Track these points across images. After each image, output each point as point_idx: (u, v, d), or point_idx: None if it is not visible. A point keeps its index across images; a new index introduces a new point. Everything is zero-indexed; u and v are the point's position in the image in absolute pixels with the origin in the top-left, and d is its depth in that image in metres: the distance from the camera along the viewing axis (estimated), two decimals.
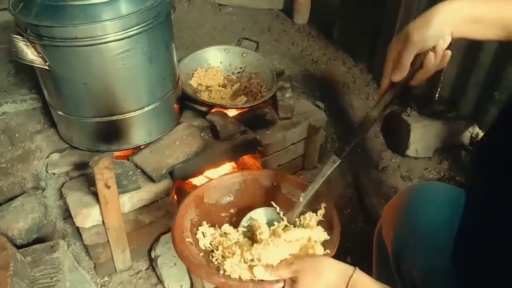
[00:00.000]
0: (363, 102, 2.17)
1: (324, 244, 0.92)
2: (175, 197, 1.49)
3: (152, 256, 1.47)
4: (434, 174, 1.87)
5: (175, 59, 1.49)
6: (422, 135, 1.87)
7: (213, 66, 1.86)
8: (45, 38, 1.18)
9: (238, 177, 1.10)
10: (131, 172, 1.36)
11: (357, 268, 0.77)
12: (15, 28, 1.25)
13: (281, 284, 0.80)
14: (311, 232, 0.93)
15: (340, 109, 2.13)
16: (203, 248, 0.95)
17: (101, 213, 1.30)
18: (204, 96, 1.71)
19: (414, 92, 1.90)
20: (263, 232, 0.93)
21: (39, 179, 1.42)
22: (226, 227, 0.99)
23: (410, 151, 1.90)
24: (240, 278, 0.85)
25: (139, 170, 1.40)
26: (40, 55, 1.22)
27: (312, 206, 1.00)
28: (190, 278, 1.39)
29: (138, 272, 1.49)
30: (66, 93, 1.31)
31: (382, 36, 2.10)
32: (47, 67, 1.24)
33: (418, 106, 1.92)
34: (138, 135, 1.44)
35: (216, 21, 2.73)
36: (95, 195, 1.28)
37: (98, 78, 1.27)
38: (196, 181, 1.59)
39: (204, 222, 1.00)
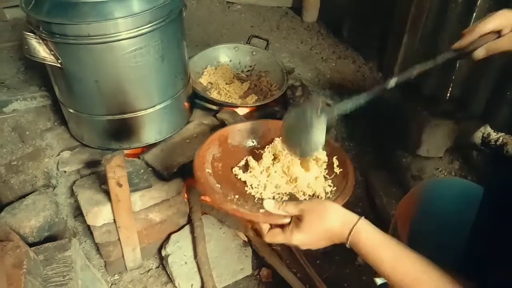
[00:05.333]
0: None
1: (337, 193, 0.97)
2: (186, 195, 1.49)
3: (163, 255, 1.47)
4: (445, 174, 1.85)
5: (187, 57, 1.48)
6: (433, 135, 1.86)
7: (223, 64, 1.85)
8: (57, 36, 1.17)
9: (263, 125, 1.14)
10: (142, 171, 1.36)
11: (362, 217, 0.77)
12: (27, 25, 1.24)
13: (288, 219, 0.83)
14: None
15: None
16: None
17: (112, 212, 1.30)
18: (214, 95, 1.70)
19: (425, 92, 1.89)
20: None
21: (50, 177, 1.42)
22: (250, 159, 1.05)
23: (421, 151, 1.88)
24: (250, 208, 0.90)
25: (150, 169, 1.39)
26: (52, 52, 1.22)
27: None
28: (201, 277, 1.38)
29: (148, 271, 1.49)
30: (77, 91, 1.31)
31: (392, 35, 2.08)
32: (59, 65, 1.23)
33: (429, 105, 1.90)
34: (149, 134, 1.43)
35: (225, 18, 2.73)
36: (107, 193, 1.27)
37: (110, 76, 1.27)
38: None
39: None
